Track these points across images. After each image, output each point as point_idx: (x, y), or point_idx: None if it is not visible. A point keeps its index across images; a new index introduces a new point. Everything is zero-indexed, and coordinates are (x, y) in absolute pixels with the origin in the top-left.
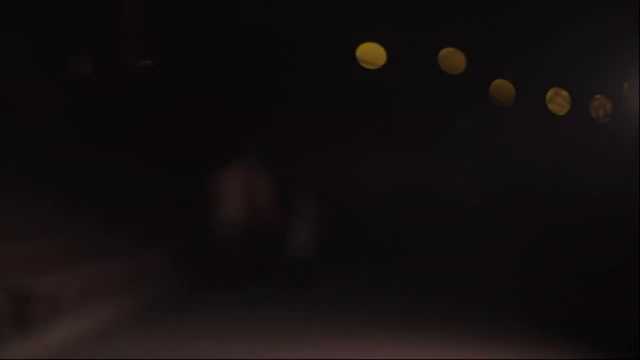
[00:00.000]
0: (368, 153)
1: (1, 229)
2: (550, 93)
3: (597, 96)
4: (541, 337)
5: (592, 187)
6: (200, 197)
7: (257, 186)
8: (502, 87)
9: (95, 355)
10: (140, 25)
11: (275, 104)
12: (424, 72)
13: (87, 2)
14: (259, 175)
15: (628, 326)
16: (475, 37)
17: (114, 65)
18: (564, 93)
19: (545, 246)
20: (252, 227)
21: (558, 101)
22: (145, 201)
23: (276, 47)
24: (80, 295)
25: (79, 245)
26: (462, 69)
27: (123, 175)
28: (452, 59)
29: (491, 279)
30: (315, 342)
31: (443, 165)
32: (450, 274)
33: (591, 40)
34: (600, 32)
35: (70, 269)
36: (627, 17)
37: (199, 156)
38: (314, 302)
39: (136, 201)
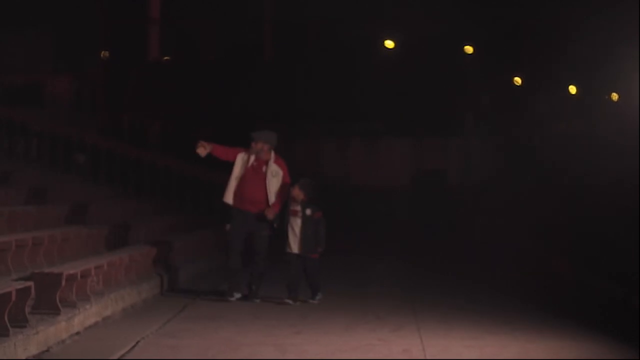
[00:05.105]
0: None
1: (29, 217)
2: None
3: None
4: (550, 324)
5: (606, 173)
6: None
7: (280, 176)
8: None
9: (121, 340)
10: (162, 23)
11: (299, 93)
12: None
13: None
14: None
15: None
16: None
17: (137, 59)
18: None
19: (559, 229)
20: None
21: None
22: (165, 187)
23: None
24: (108, 280)
25: (107, 231)
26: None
27: (151, 164)
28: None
29: (505, 262)
30: (334, 329)
31: (459, 150)
32: (466, 259)
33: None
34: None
35: (97, 255)
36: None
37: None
38: (334, 289)
39: (159, 187)
